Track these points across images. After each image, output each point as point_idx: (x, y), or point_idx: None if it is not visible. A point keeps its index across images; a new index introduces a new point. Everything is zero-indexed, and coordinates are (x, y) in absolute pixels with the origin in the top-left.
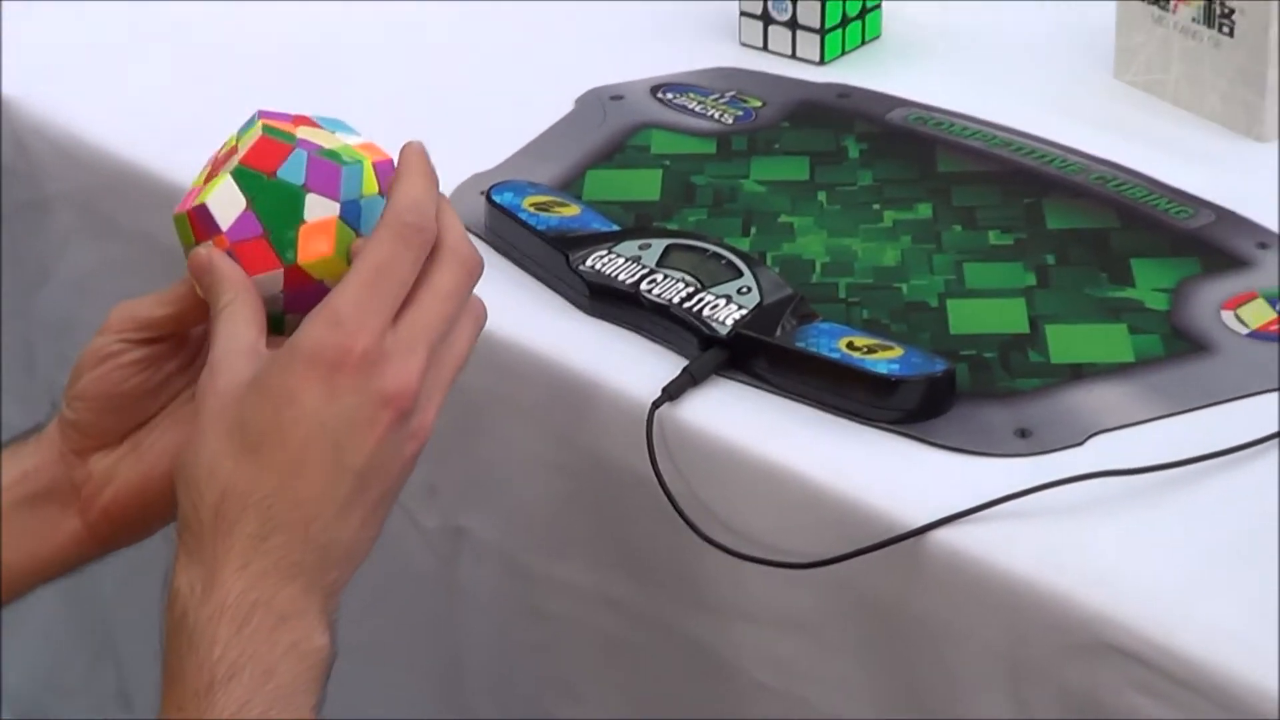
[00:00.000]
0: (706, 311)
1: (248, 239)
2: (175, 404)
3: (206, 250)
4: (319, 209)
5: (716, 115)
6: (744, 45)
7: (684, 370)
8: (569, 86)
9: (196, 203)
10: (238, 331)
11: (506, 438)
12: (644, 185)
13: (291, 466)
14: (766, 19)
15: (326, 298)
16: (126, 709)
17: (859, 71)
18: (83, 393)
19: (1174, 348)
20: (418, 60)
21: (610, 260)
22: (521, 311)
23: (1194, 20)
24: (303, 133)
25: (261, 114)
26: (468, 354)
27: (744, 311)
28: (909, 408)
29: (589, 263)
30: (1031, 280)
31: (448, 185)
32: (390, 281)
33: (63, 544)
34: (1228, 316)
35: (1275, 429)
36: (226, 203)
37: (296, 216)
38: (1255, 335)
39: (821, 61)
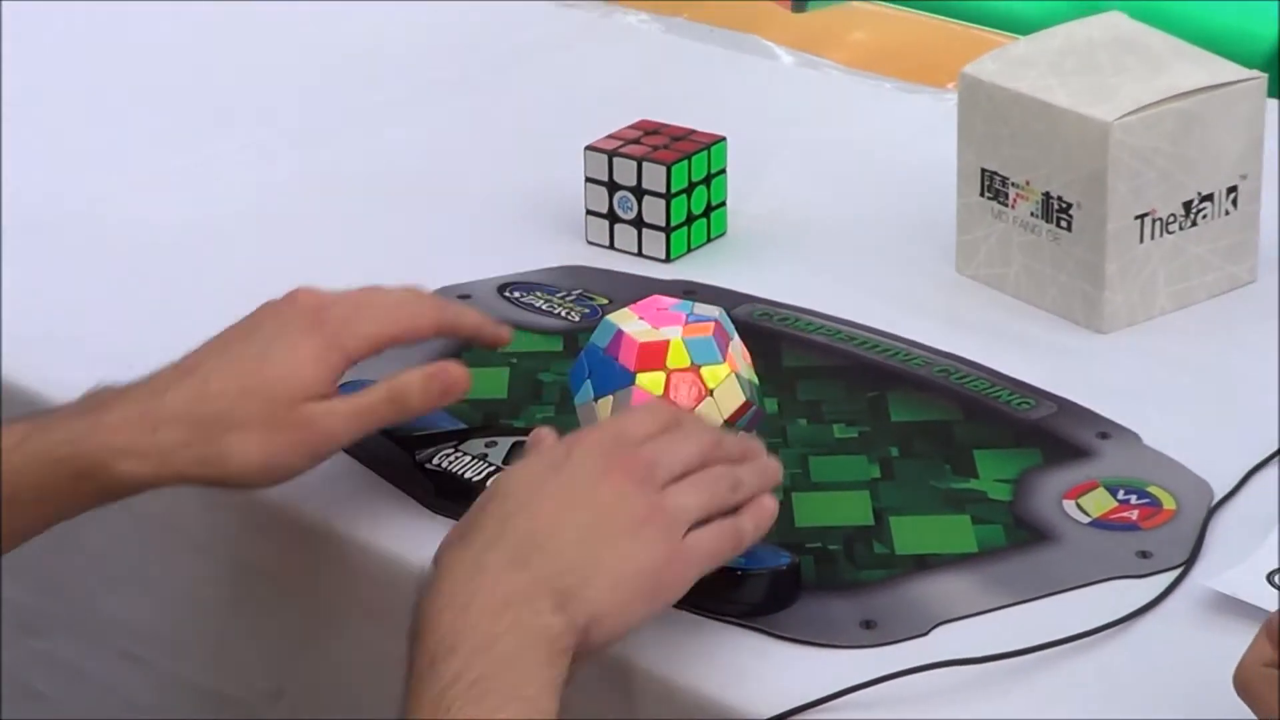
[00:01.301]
0: None
1: None
2: None
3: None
4: None
5: (564, 313)
6: (590, 243)
7: None
8: (415, 286)
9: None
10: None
11: (356, 639)
12: (491, 383)
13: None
14: (612, 217)
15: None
16: None
17: (705, 268)
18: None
19: (1016, 538)
20: (262, 261)
21: (457, 458)
22: (369, 511)
23: (1033, 215)
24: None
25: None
26: None
27: None
28: (755, 600)
29: (435, 461)
30: (876, 473)
31: None
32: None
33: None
34: (1069, 506)
35: (1115, 617)
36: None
37: None
38: (1097, 524)
39: (667, 259)
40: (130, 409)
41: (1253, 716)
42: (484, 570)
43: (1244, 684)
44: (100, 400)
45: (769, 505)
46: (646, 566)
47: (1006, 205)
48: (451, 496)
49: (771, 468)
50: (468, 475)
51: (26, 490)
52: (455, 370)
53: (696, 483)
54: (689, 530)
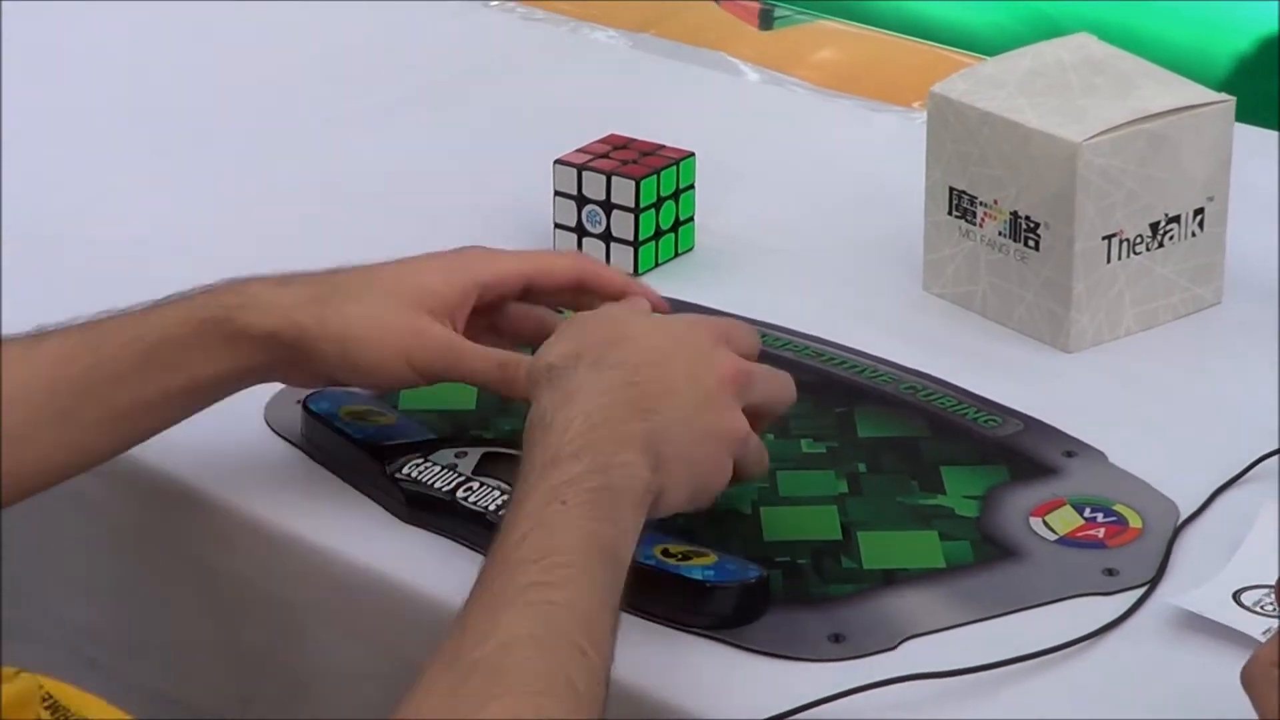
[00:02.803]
0: None
1: None
2: None
3: None
4: None
5: None
6: None
7: None
8: None
9: None
10: None
11: (325, 648)
12: (459, 395)
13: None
14: (581, 231)
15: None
16: None
17: (673, 283)
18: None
19: (984, 554)
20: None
21: (426, 468)
22: (339, 521)
23: (1000, 234)
24: None
25: None
26: None
27: None
28: (723, 613)
29: (405, 470)
30: (844, 488)
31: (264, 394)
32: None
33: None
34: (1036, 523)
35: (1081, 633)
36: None
37: None
38: (1063, 541)
39: (635, 273)
40: (266, 279)
41: (1254, 716)
42: (616, 403)
43: (1250, 680)
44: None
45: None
46: (710, 474)
47: (974, 224)
48: (421, 506)
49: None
50: (437, 485)
51: (166, 348)
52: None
53: (760, 424)
54: None
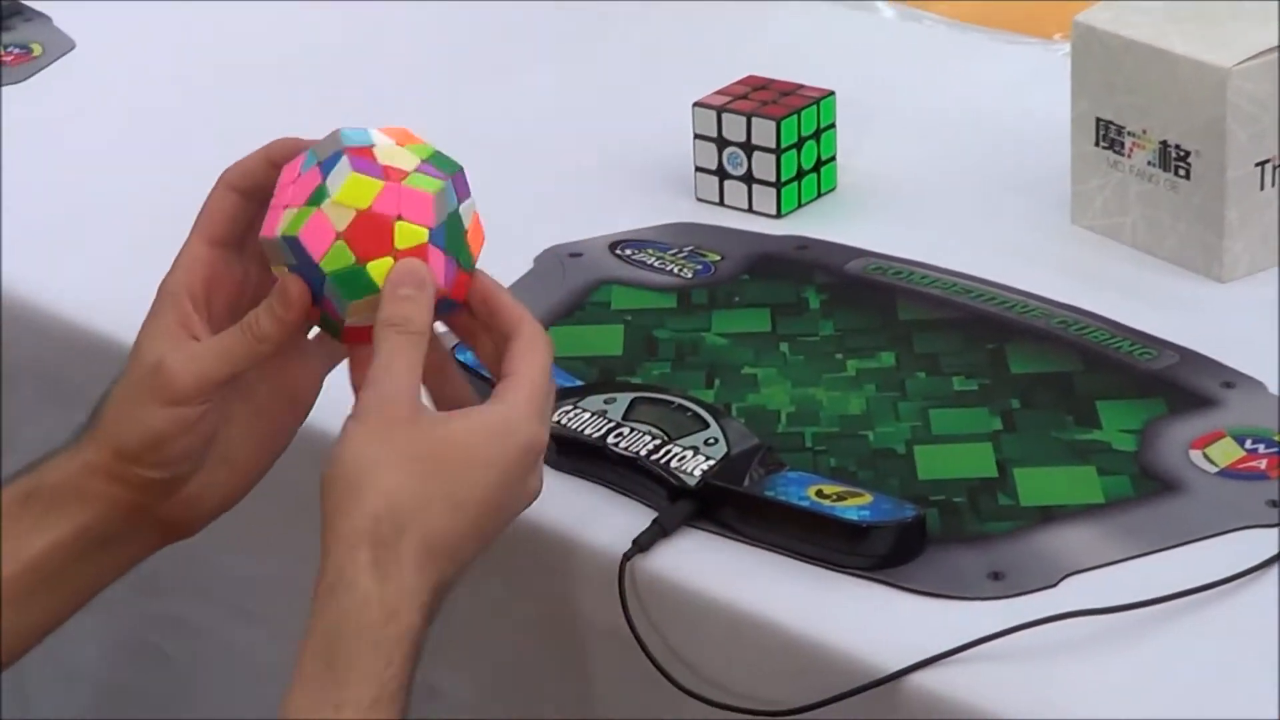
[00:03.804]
0: (674, 463)
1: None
2: (246, 403)
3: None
4: None
5: (676, 270)
6: (700, 200)
7: (654, 522)
8: (526, 245)
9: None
10: (412, 377)
11: (478, 595)
12: (606, 340)
13: (479, 528)
14: (722, 174)
15: (529, 397)
16: None
17: (816, 223)
18: (174, 458)
19: (1143, 488)
20: None
21: (576, 415)
22: None
23: (1149, 164)
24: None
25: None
26: None
27: (712, 462)
28: (881, 553)
29: (555, 418)
30: (998, 425)
31: None
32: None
33: (135, 562)
34: (1196, 456)
35: (1246, 566)
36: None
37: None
38: (1225, 473)
39: (778, 215)
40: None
41: None
42: (424, 621)
43: None
44: None
45: None
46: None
47: (1123, 154)
48: (571, 453)
49: None
50: (587, 431)
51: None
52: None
53: None
54: None
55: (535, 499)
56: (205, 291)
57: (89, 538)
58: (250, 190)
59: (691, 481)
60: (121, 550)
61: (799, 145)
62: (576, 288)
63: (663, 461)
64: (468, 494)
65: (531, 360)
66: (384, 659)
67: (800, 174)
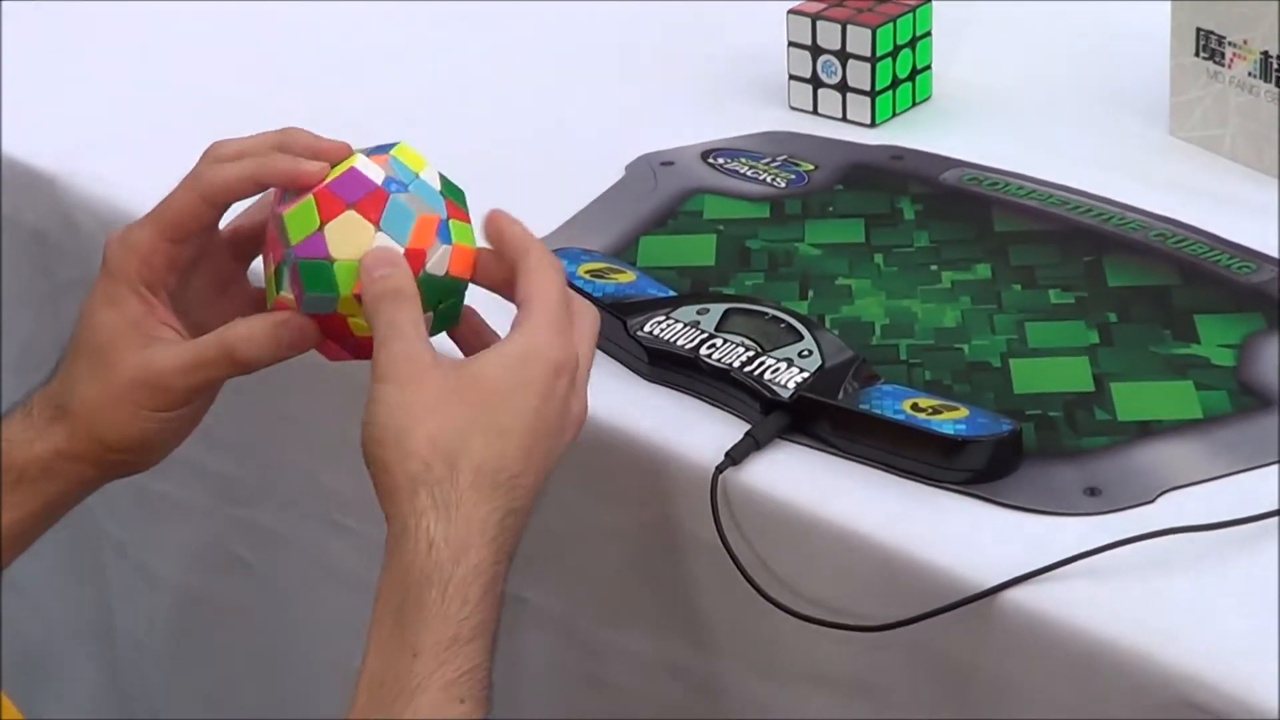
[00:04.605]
0: (768, 375)
1: None
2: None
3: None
4: None
5: (769, 179)
6: (793, 109)
7: (747, 434)
8: (618, 153)
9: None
10: (420, 330)
11: (567, 506)
12: (698, 250)
13: (529, 452)
14: (816, 82)
15: (546, 319)
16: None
17: (910, 133)
18: (164, 449)
19: (1242, 404)
20: (464, 133)
21: (669, 325)
22: None
23: (1250, 75)
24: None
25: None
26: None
27: (806, 375)
28: (976, 468)
29: (647, 328)
30: (1094, 338)
31: None
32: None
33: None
34: None
35: None
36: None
37: None
38: None
39: (872, 124)
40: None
41: None
42: (500, 554)
43: None
44: None
45: None
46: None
47: (1223, 65)
48: (664, 364)
49: None
50: (680, 342)
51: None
52: (302, 322)
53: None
54: None
55: (583, 419)
56: (161, 279)
57: (55, 507)
58: (221, 205)
59: (785, 394)
60: (70, 500)
61: (894, 53)
62: (668, 197)
63: (756, 374)
64: (510, 421)
65: (541, 282)
66: (458, 599)
67: (895, 82)
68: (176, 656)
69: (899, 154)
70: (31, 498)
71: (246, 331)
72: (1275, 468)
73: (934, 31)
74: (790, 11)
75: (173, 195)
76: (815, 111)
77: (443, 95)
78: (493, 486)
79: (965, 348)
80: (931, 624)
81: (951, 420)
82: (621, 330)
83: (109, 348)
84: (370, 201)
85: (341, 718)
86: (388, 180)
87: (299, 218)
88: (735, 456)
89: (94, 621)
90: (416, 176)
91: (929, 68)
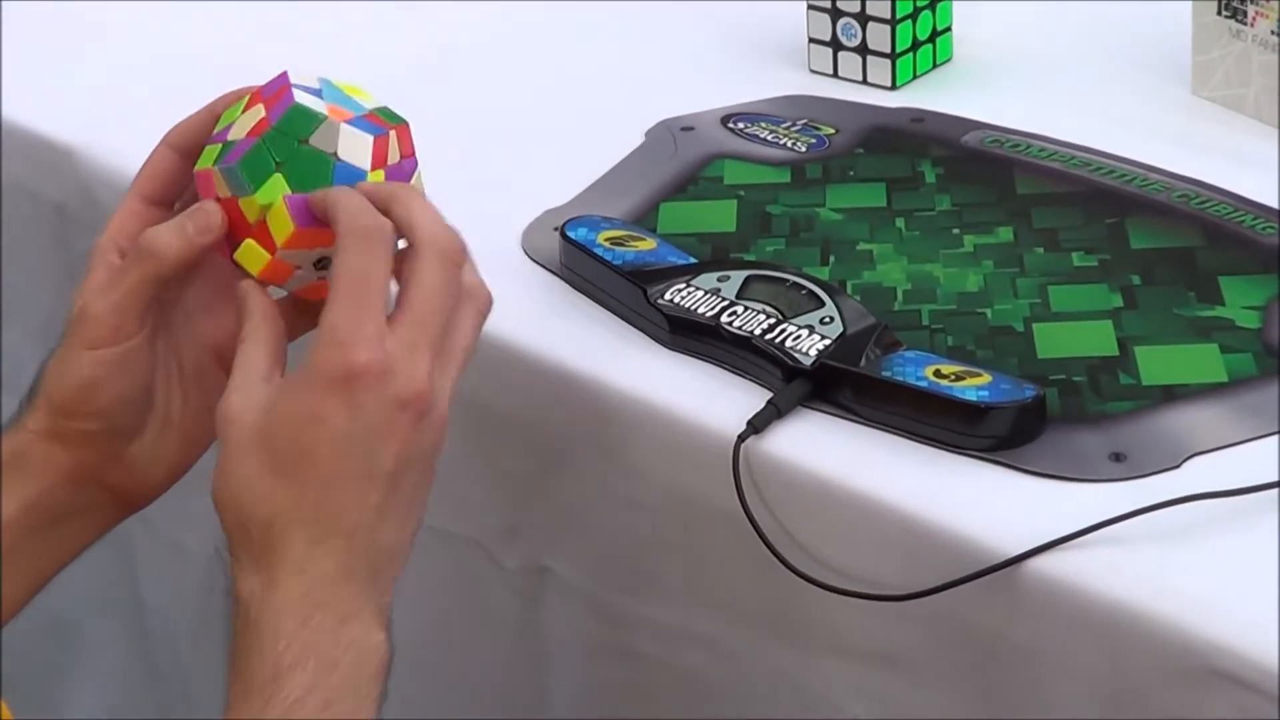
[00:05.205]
0: (789, 342)
1: None
2: (175, 359)
3: (243, 285)
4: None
5: (789, 144)
6: (813, 72)
7: (769, 402)
8: (637, 119)
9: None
10: (254, 360)
11: (589, 476)
12: (719, 216)
13: (327, 481)
14: (836, 45)
15: (322, 319)
16: None
17: (931, 95)
18: (106, 406)
19: (1268, 366)
20: (483, 97)
21: (689, 293)
22: (600, 347)
23: (1273, 33)
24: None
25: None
26: (474, 340)
27: (827, 342)
28: (1000, 434)
29: (667, 296)
30: (1118, 301)
31: (520, 222)
32: (369, 288)
33: (92, 537)
34: None
35: None
36: None
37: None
38: None
39: (893, 86)
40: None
41: None
42: (320, 581)
43: None
44: None
45: None
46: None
47: (1245, 24)
48: (684, 332)
49: None
50: (700, 310)
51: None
52: (209, 207)
53: None
54: None
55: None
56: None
57: (38, 513)
58: (189, 150)
59: (807, 362)
60: (75, 525)
61: (914, 15)
62: (688, 162)
63: (777, 341)
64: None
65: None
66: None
67: (915, 45)
68: (205, 629)
69: (920, 117)
70: (9, 498)
71: (154, 225)
72: None
73: None
74: None
75: (145, 160)
76: (835, 75)
77: (462, 62)
78: (288, 527)
79: (988, 312)
80: (955, 592)
81: (974, 386)
82: (642, 299)
83: (71, 310)
84: (276, 95)
85: None
86: (305, 88)
87: (229, 115)
88: (757, 425)
89: (122, 594)
90: (344, 94)
91: (949, 29)
